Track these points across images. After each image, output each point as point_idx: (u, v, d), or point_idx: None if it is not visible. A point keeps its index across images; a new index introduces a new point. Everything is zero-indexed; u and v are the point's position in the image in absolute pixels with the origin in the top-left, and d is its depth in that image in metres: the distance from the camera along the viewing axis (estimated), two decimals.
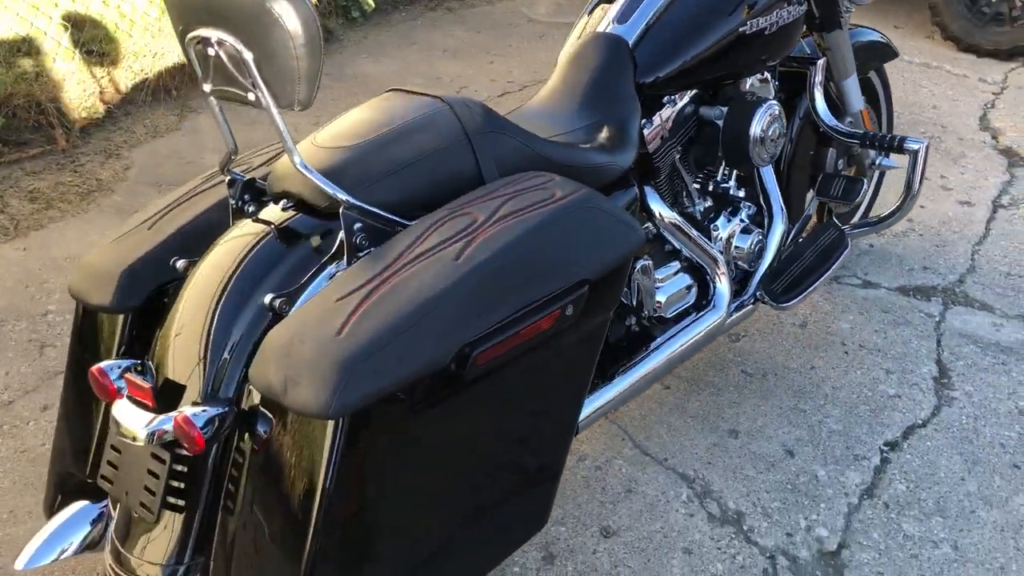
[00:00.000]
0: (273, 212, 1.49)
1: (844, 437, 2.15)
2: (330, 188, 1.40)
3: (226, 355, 1.36)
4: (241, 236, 1.47)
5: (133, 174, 3.34)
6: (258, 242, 1.45)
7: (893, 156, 2.48)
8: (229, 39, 1.32)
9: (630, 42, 1.95)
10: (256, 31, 1.30)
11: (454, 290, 1.27)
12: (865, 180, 2.35)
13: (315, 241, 1.44)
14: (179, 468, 1.34)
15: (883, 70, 2.69)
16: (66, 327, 2.52)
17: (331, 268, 1.44)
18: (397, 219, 1.47)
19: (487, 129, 1.61)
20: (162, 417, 1.31)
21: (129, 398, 1.36)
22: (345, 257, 1.42)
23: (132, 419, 1.33)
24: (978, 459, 2.09)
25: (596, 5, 2.14)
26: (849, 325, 2.54)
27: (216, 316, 1.39)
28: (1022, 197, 3.22)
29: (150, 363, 1.43)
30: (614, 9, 2.03)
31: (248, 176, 1.57)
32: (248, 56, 1.31)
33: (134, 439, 1.32)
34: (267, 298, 1.37)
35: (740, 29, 1.98)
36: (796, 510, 1.96)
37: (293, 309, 1.38)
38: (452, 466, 1.36)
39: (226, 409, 1.32)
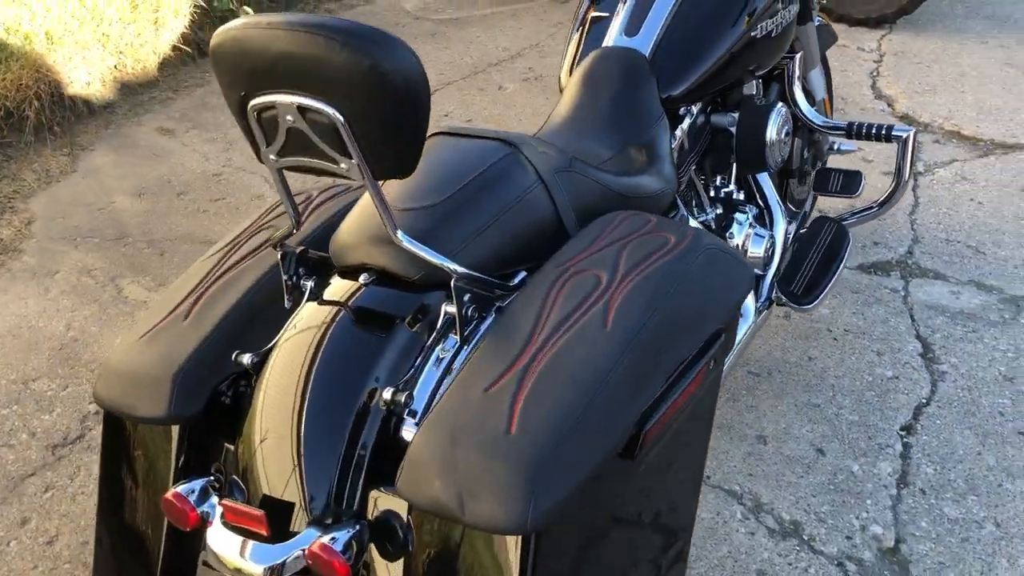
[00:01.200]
0: (348, 288, 1.32)
1: (863, 427, 2.16)
2: (438, 259, 1.24)
3: (340, 463, 1.19)
4: (322, 320, 1.28)
5: (39, 229, 2.98)
6: (345, 326, 1.28)
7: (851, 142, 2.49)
8: (318, 105, 1.12)
9: (647, 55, 1.86)
10: (355, 94, 1.10)
11: (616, 363, 1.14)
12: (862, 172, 2.36)
13: (411, 319, 1.29)
14: None
15: (825, 55, 2.70)
16: (16, 422, 2.22)
17: (439, 348, 1.29)
18: (498, 282, 1.33)
19: (557, 168, 1.48)
20: (281, 546, 1.13)
21: (226, 525, 1.17)
22: (458, 333, 1.27)
23: (240, 552, 1.14)
24: (986, 431, 2.15)
25: (586, 13, 2.04)
26: (828, 311, 2.56)
27: (317, 417, 1.21)
28: (934, 162, 3.34)
29: (236, 479, 1.24)
30: (618, 21, 1.92)
31: (299, 248, 1.39)
32: (344, 123, 1.12)
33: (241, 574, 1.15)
34: (387, 393, 1.19)
35: (751, 33, 1.92)
36: (846, 510, 1.95)
37: (416, 403, 1.23)
38: (613, 553, 1.25)
39: (358, 527, 1.15)
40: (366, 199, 1.40)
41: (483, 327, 1.31)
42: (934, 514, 1.94)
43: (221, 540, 1.16)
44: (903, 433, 2.15)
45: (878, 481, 2.02)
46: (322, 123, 1.14)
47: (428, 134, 1.52)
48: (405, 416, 1.23)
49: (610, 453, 1.11)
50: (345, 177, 1.19)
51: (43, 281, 2.71)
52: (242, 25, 1.14)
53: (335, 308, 1.30)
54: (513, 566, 1.06)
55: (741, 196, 2.11)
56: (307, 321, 1.30)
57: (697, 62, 1.87)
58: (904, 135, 2.18)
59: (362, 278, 1.32)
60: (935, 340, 2.44)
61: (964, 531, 1.90)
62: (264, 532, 1.14)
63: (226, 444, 1.32)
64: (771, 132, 1.95)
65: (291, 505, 1.18)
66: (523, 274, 1.40)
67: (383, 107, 1.10)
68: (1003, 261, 2.77)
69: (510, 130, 2.71)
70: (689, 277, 1.29)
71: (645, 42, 1.88)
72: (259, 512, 1.14)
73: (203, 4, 4.13)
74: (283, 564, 1.13)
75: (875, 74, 4.06)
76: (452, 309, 1.27)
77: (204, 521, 1.21)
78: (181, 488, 1.21)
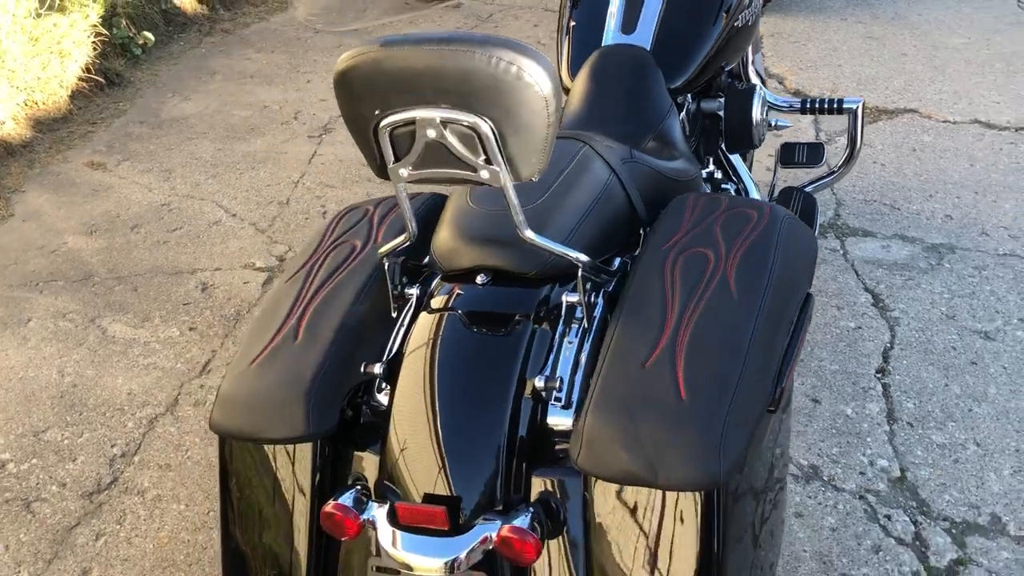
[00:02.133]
0: (466, 290, 1.38)
1: (845, 374, 2.37)
2: (567, 251, 1.31)
3: (503, 453, 1.25)
4: (449, 322, 1.35)
5: None
6: (476, 325, 1.34)
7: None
8: (464, 116, 1.18)
9: (649, 50, 1.97)
10: (503, 103, 1.16)
11: (752, 328, 1.26)
12: (823, 144, 2.56)
13: (536, 311, 1.36)
14: None
15: None
16: (41, 475, 2.14)
17: (570, 336, 1.36)
18: (606, 268, 1.43)
19: (622, 159, 1.58)
20: (462, 538, 1.19)
21: (401, 527, 1.22)
22: (586, 319, 1.35)
23: (419, 550, 1.19)
24: (946, 364, 2.40)
25: (569, 18, 2.13)
26: None
27: (473, 414, 1.27)
28: (834, 131, 3.62)
29: (387, 484, 1.28)
30: (612, 20, 2.03)
31: (401, 257, 1.43)
32: (492, 131, 1.18)
33: (431, 571, 1.20)
34: (539, 382, 1.27)
35: (734, 23, 2.07)
36: (852, 449, 2.15)
37: (566, 388, 1.30)
38: (759, 502, 1.36)
39: (532, 509, 1.22)
40: (456, 205, 1.46)
41: (596, 312, 1.40)
42: (925, 443, 2.17)
43: (399, 541, 1.21)
44: (879, 375, 2.37)
45: (871, 420, 2.23)
46: (465, 133, 1.20)
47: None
48: (552, 402, 1.30)
49: (764, 408, 1.23)
50: (481, 183, 1.24)
51: (18, 331, 2.59)
52: (380, 46, 1.17)
53: (460, 310, 1.36)
54: (698, 520, 1.16)
55: (720, 175, 2.27)
56: (433, 325, 1.35)
57: (694, 53, 2.00)
58: (854, 106, 2.39)
59: (479, 278, 1.38)
60: (881, 291, 2.69)
61: (953, 454, 2.13)
62: (445, 527, 1.20)
63: (357, 452, 1.37)
64: (756, 113, 2.11)
65: (458, 499, 1.23)
66: (618, 260, 1.50)
67: (527, 113, 1.17)
68: (916, 214, 3.06)
69: None
70: (781, 246, 1.41)
71: (645, 37, 1.99)
72: (439, 508, 1.20)
73: (104, 32, 3.97)
74: (465, 556, 1.19)
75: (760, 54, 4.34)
76: (574, 298, 1.34)
77: (371, 526, 1.24)
78: (342, 500, 1.25)
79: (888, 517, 1.98)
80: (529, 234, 1.29)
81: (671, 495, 1.17)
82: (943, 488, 2.05)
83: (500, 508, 1.23)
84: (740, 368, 1.20)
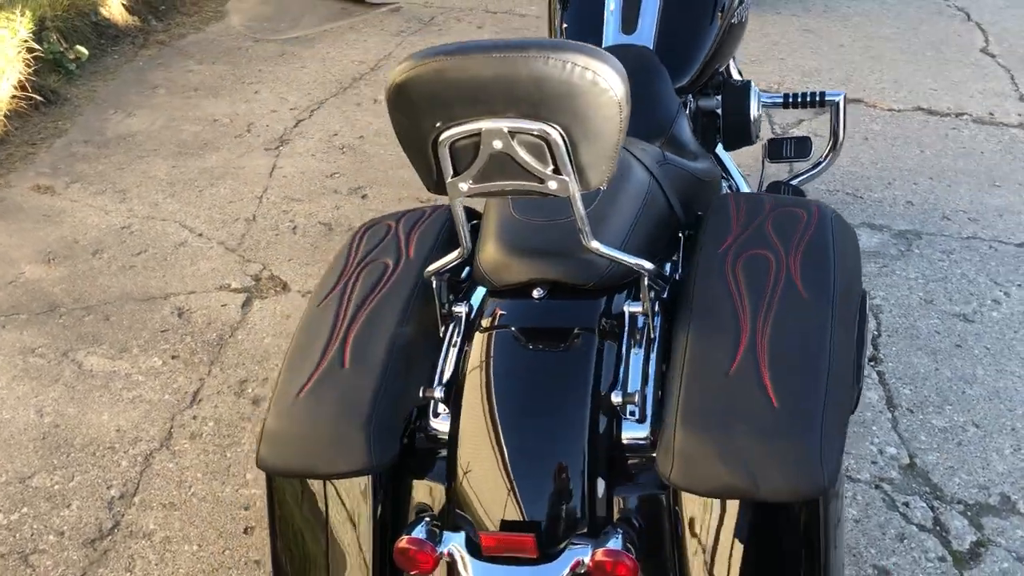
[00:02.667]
0: (522, 305, 1.33)
1: None
2: (632, 259, 1.27)
3: (585, 473, 1.20)
4: (512, 338, 1.29)
5: None
6: (539, 341, 1.29)
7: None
8: (534, 125, 1.12)
9: (652, 49, 1.94)
10: (576, 109, 1.11)
11: (829, 328, 1.23)
12: (810, 137, 2.56)
13: (599, 323, 1.31)
14: None
15: None
16: (34, 525, 2.00)
17: (635, 348, 1.32)
18: (664, 277, 1.40)
19: (656, 161, 1.55)
20: (552, 565, 1.15)
21: (485, 558, 1.17)
22: (650, 328, 1.31)
23: None
24: (933, 349, 2.45)
25: (561, 20, 2.09)
26: None
27: (550, 434, 1.21)
28: (786, 123, 3.68)
29: (460, 512, 1.22)
30: (612, 21, 1.99)
31: (447, 275, 1.38)
32: (563, 139, 1.13)
33: None
34: (616, 397, 1.23)
35: (731, 20, 2.05)
36: (861, 440, 2.17)
37: (640, 401, 1.25)
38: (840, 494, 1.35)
39: (620, 529, 1.17)
40: (499, 217, 1.40)
41: (657, 321, 1.35)
42: (927, 428, 2.20)
43: (488, 572, 1.16)
44: (872, 364, 2.40)
45: (873, 408, 2.26)
46: (533, 143, 1.14)
47: None
48: (626, 417, 1.26)
49: (849, 410, 1.21)
50: (548, 194, 1.19)
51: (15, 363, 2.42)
52: (444, 55, 1.11)
53: (518, 326, 1.30)
54: (802, 529, 1.14)
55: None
56: (491, 343, 1.30)
57: (696, 52, 1.98)
58: (836, 99, 2.41)
59: (536, 292, 1.32)
60: None
61: (955, 437, 2.17)
62: (534, 555, 1.15)
63: (417, 481, 1.31)
64: (754, 109, 2.10)
65: (542, 524, 1.18)
66: (668, 265, 1.47)
67: (600, 119, 1.12)
68: (879, 202, 3.12)
69: None
70: (836, 245, 1.39)
71: (647, 37, 1.96)
72: (528, 535, 1.15)
73: (36, 47, 3.75)
74: None
75: None
76: (636, 308, 1.31)
77: (450, 558, 1.19)
78: (415, 534, 1.18)
79: (906, 504, 2.01)
80: (595, 244, 1.24)
81: (766, 507, 1.14)
82: (952, 471, 2.08)
83: (585, 531, 1.18)
84: (827, 371, 1.18)
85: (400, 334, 1.35)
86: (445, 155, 1.17)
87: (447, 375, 1.35)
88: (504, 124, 1.13)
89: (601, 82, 1.10)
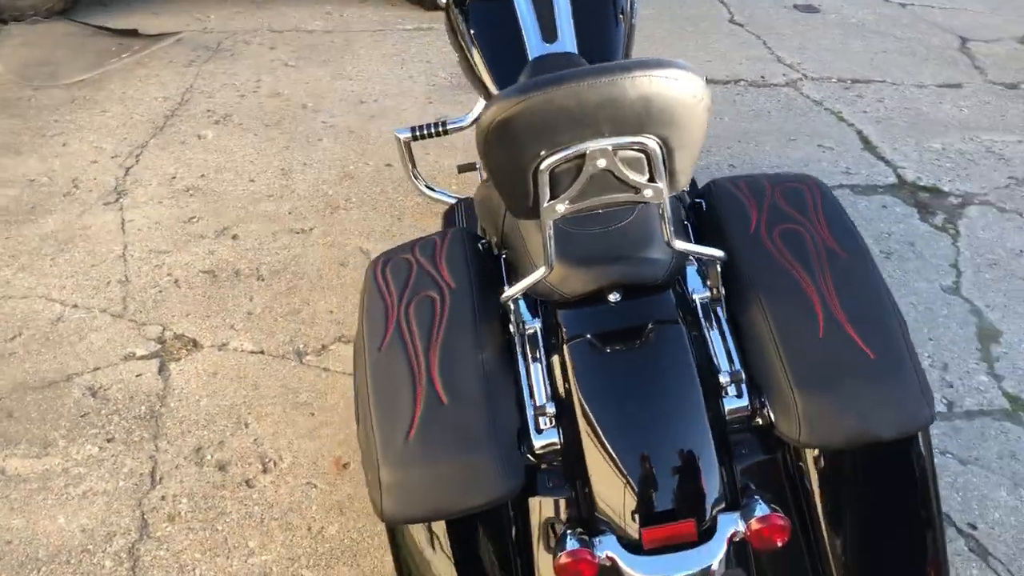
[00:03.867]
0: (602, 311, 1.40)
1: None
2: (705, 250, 1.39)
3: (709, 453, 1.30)
4: (606, 342, 1.36)
5: None
6: (633, 340, 1.37)
7: None
8: (633, 140, 1.21)
9: (578, 55, 2.00)
10: (677, 122, 1.20)
11: (879, 277, 1.41)
12: None
13: (680, 314, 1.41)
14: None
15: None
16: None
17: (712, 329, 1.43)
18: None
19: None
20: (711, 543, 1.24)
21: (649, 552, 1.24)
22: (725, 308, 1.43)
23: (682, 565, 1.23)
24: None
25: (471, 39, 2.12)
26: None
27: (677, 427, 1.30)
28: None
29: (600, 516, 1.29)
30: (530, 31, 2.03)
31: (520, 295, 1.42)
32: (660, 148, 1.22)
33: None
34: (724, 377, 1.35)
35: (632, 20, 2.18)
36: None
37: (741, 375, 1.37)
38: None
39: (758, 495, 1.30)
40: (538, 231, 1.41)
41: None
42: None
43: (652, 567, 1.23)
44: None
45: None
46: (634, 157, 1.22)
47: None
48: (728, 394, 1.36)
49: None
50: (642, 202, 1.28)
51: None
52: (550, 86, 1.16)
53: (606, 329, 1.38)
54: (915, 459, 1.33)
55: None
56: (586, 351, 1.36)
57: (613, 55, 2.05)
58: None
59: (612, 297, 1.40)
60: None
61: None
62: (695, 538, 1.25)
63: (542, 498, 1.35)
64: None
65: (691, 508, 1.27)
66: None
67: (696, 127, 1.23)
68: (707, 168, 3.45)
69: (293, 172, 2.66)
70: (843, 208, 1.57)
71: (571, 44, 2.00)
72: (689, 521, 1.25)
73: None
74: (721, 558, 1.24)
75: None
76: (705, 294, 1.45)
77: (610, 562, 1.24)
78: (574, 547, 1.23)
79: None
80: (679, 244, 1.34)
81: (883, 446, 1.31)
82: None
83: (724, 505, 1.29)
84: (896, 318, 1.36)
85: (483, 361, 1.37)
86: (545, 181, 1.23)
87: (544, 391, 1.38)
88: (609, 143, 1.20)
89: (698, 93, 1.20)
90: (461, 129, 2.64)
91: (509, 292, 1.41)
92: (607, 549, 1.23)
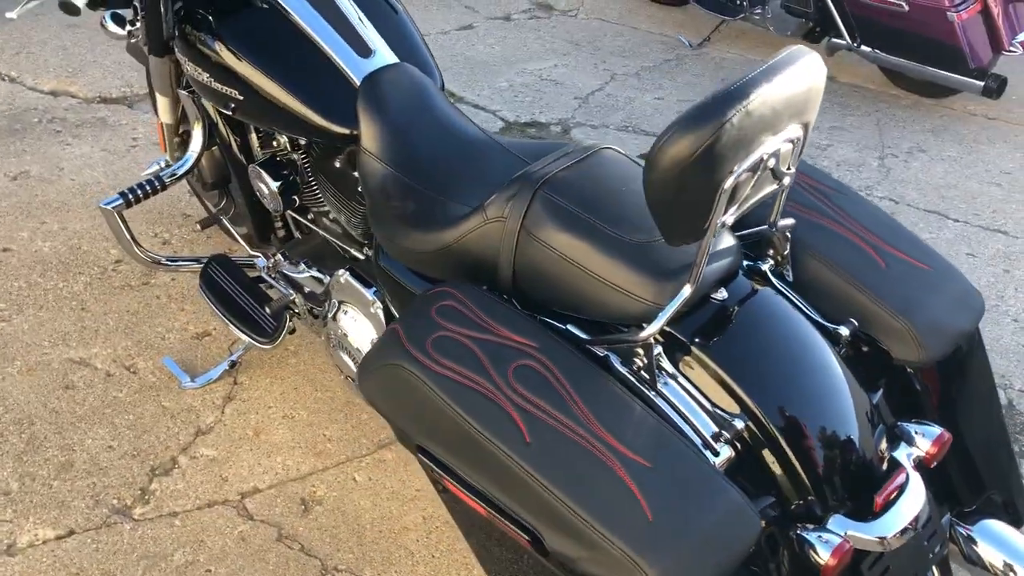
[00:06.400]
0: (719, 309, 1.39)
1: None
2: (786, 221, 1.46)
3: (865, 401, 1.39)
4: (745, 336, 1.38)
5: None
6: (763, 327, 1.40)
7: None
8: (797, 131, 1.27)
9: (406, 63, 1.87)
10: (816, 103, 1.28)
11: (891, 220, 1.57)
12: None
13: (767, 286, 1.46)
14: None
15: None
16: None
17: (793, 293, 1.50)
18: None
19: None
20: (915, 481, 1.34)
21: (879, 513, 1.30)
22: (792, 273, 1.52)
23: (913, 503, 1.31)
24: None
25: (274, 71, 1.86)
26: None
27: (835, 388, 1.36)
28: None
29: (819, 498, 1.31)
30: (340, 54, 1.83)
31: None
32: (804, 134, 1.29)
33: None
34: (843, 331, 1.44)
35: (412, 19, 2.06)
36: None
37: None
38: None
39: (905, 421, 1.44)
40: (607, 247, 1.38)
41: None
42: None
43: (892, 522, 1.28)
44: None
45: None
46: (790, 149, 1.28)
47: (594, 150, 1.55)
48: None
49: None
50: (783, 190, 1.35)
51: None
52: (742, 96, 1.16)
53: (735, 325, 1.38)
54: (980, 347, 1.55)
55: None
56: (734, 353, 1.35)
57: (422, 50, 1.95)
58: None
59: (720, 295, 1.38)
60: None
61: None
62: (905, 482, 1.33)
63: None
64: None
65: (885, 463, 1.37)
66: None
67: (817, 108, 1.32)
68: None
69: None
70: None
71: (388, 53, 1.87)
72: (901, 469, 1.35)
73: None
74: (926, 490, 1.35)
75: None
76: (769, 264, 1.50)
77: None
78: (824, 545, 1.25)
79: None
80: (783, 221, 1.44)
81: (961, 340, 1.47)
82: None
83: (897, 441, 1.40)
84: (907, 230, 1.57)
85: (637, 403, 1.28)
86: (725, 198, 1.20)
87: (707, 408, 1.33)
88: (783, 139, 1.24)
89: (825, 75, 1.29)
90: (181, 178, 2.26)
91: (652, 328, 1.30)
92: (844, 528, 1.26)
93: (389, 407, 1.45)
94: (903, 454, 1.39)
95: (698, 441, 1.31)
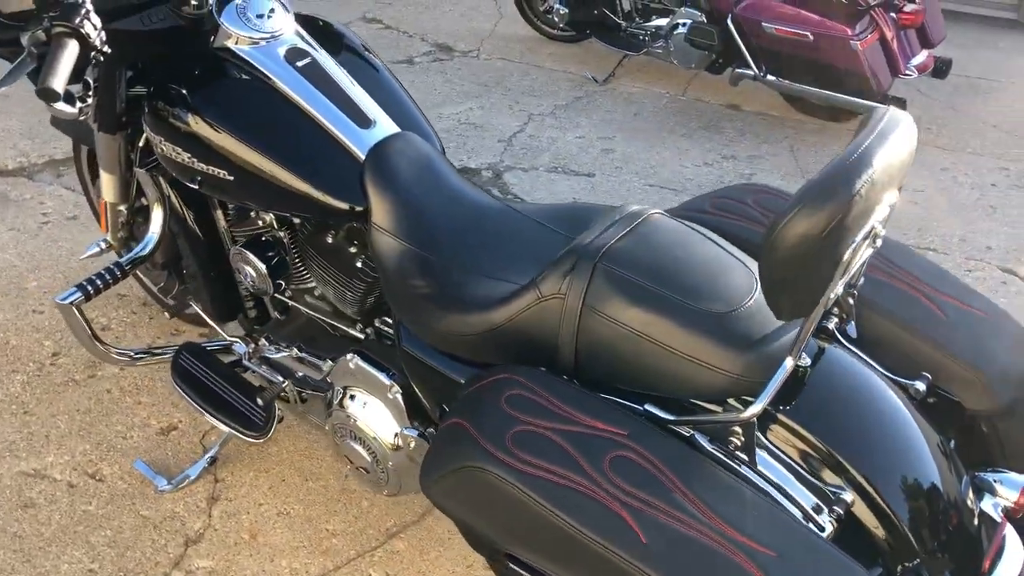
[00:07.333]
0: (797, 376, 1.34)
1: None
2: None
3: (946, 460, 1.38)
4: (827, 398, 1.33)
5: None
6: (843, 388, 1.36)
7: None
8: (895, 196, 1.25)
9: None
10: (909, 163, 1.27)
11: (920, 256, 1.60)
12: None
13: (848, 351, 1.45)
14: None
15: None
16: None
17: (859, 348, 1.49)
18: None
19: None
20: (1009, 529, 1.36)
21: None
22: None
23: (1015, 558, 1.32)
24: None
25: (280, 152, 1.70)
26: None
27: (917, 442, 1.34)
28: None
29: (916, 562, 1.29)
30: (340, 127, 1.70)
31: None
32: (897, 195, 1.27)
33: None
34: (920, 386, 1.42)
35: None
36: None
37: None
38: None
39: (984, 473, 1.44)
40: (690, 320, 1.33)
41: None
42: None
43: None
44: None
45: None
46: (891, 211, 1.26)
47: (643, 215, 1.50)
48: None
49: None
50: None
51: None
52: (865, 169, 1.12)
53: (818, 387, 1.34)
54: None
55: None
56: (824, 419, 1.32)
57: (414, 111, 1.85)
58: None
59: (804, 360, 1.34)
60: None
61: None
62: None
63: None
64: None
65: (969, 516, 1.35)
66: None
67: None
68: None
69: None
70: None
71: (387, 123, 1.75)
72: (1001, 522, 1.35)
73: None
74: None
75: None
76: (833, 322, 1.49)
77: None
78: None
79: None
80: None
81: None
82: None
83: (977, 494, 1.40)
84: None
85: (745, 486, 1.23)
86: (842, 270, 1.17)
87: (804, 482, 1.30)
88: (886, 203, 1.21)
89: None
90: (143, 263, 2.07)
91: (757, 406, 1.23)
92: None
93: (469, 513, 1.34)
94: (989, 505, 1.38)
95: (799, 515, 1.27)
